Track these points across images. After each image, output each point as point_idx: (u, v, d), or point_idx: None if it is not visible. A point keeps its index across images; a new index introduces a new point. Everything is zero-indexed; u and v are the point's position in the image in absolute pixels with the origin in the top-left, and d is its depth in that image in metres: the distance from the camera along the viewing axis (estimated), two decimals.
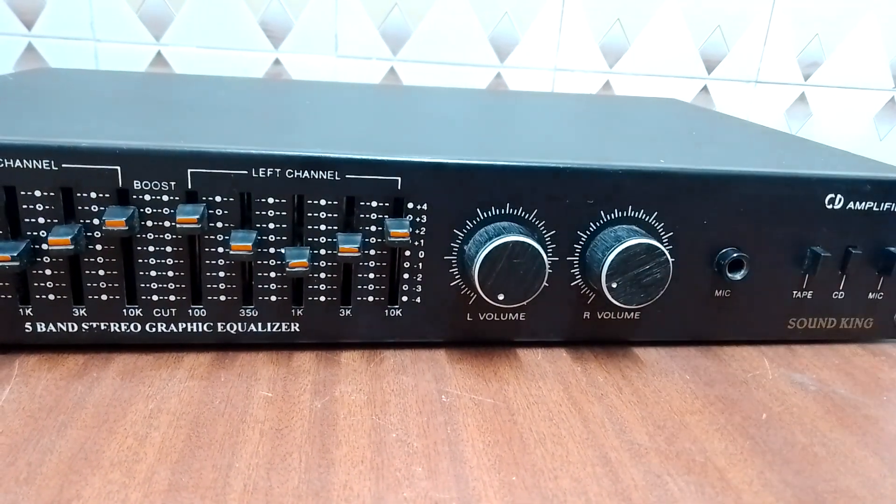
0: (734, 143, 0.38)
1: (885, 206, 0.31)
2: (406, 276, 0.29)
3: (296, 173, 0.27)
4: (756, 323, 0.32)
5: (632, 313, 0.31)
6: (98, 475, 0.21)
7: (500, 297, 0.28)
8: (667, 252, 0.28)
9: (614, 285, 0.28)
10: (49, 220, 0.26)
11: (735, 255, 0.30)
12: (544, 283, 0.28)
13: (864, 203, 0.31)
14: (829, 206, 0.31)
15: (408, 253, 0.28)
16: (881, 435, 0.26)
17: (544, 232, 0.29)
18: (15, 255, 0.25)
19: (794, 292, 0.32)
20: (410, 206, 0.28)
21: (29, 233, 0.26)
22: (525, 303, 0.28)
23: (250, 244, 0.26)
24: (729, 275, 0.31)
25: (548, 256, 0.29)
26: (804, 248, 0.31)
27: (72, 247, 0.25)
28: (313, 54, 0.71)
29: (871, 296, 0.33)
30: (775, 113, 0.80)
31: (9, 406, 0.25)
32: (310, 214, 0.27)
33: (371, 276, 0.29)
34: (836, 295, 0.32)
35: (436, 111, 0.42)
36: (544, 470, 0.23)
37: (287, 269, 0.27)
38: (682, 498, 0.22)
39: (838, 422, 0.27)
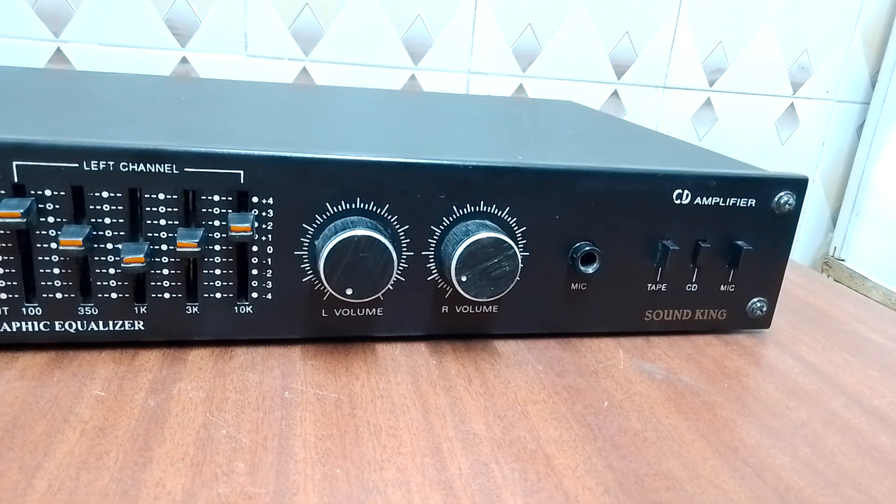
0: (601, 141, 0.39)
1: (731, 202, 0.32)
2: (255, 271, 0.29)
3: (130, 166, 0.26)
4: (613, 315, 0.33)
5: (490, 307, 0.31)
6: None
7: (349, 291, 0.28)
8: (514, 245, 0.28)
9: (464, 278, 0.28)
10: None
11: (587, 248, 0.31)
12: (395, 278, 0.28)
13: (710, 198, 0.32)
14: (678, 202, 0.32)
15: (255, 248, 0.28)
16: (713, 420, 0.27)
17: (398, 227, 0.29)
18: None
19: (649, 285, 0.33)
20: (255, 200, 0.27)
21: None
22: (376, 297, 0.28)
23: (81, 239, 0.25)
24: (582, 268, 0.31)
25: (402, 251, 0.29)
26: (655, 241, 0.32)
27: None
28: (222, 53, 0.70)
29: (722, 288, 0.34)
30: (682, 118, 0.83)
31: None
32: (148, 209, 0.27)
33: (217, 272, 0.28)
34: (689, 287, 0.34)
35: (313, 108, 0.42)
36: (372, 462, 0.23)
37: (122, 265, 0.26)
38: (504, 484, 0.22)
39: (675, 408, 0.28)
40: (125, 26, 0.67)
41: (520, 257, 0.29)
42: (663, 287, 0.33)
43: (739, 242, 0.33)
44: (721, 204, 0.32)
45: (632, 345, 0.33)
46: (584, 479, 0.23)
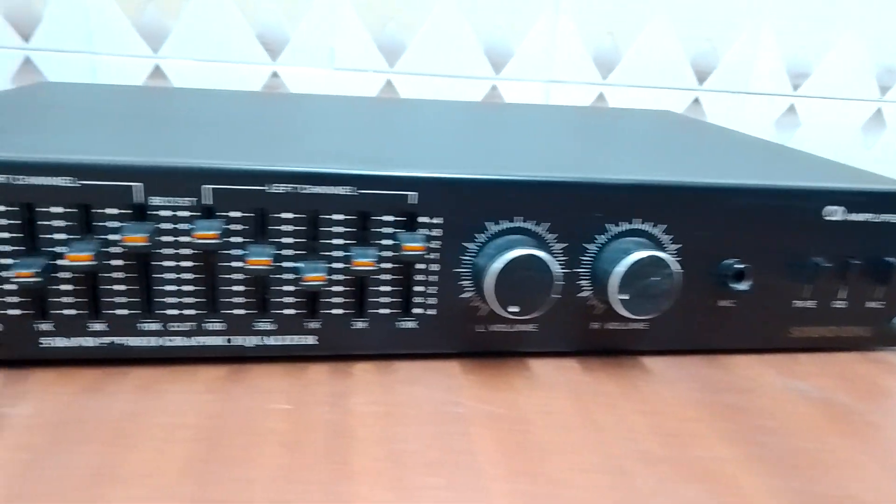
0: (733, 155, 0.39)
1: (883, 218, 0.32)
2: (419, 288, 0.29)
3: (311, 189, 0.27)
4: (759, 332, 0.33)
5: (639, 324, 0.32)
6: (121, 490, 0.21)
7: (514, 309, 0.28)
8: (675, 264, 0.29)
9: (625, 297, 0.29)
10: (68, 236, 0.26)
11: (739, 265, 0.31)
12: (556, 296, 0.28)
13: (861, 215, 0.32)
14: (828, 218, 0.32)
15: (421, 266, 0.29)
16: (883, 441, 0.27)
17: (553, 245, 0.30)
18: (38, 270, 0.25)
19: (796, 301, 0.33)
20: (424, 220, 0.28)
21: (47, 248, 0.26)
22: (538, 314, 0.29)
23: (269, 259, 0.26)
24: (733, 285, 0.31)
25: (559, 269, 0.30)
26: (804, 258, 0.32)
27: (93, 262, 0.25)
28: (310, 67, 0.72)
29: (869, 305, 0.33)
30: (765, 123, 0.82)
31: (28, 421, 0.25)
32: (324, 229, 0.28)
33: (385, 289, 0.29)
34: (836, 304, 0.33)
35: (440, 124, 0.43)
36: (559, 480, 0.23)
37: (302, 282, 0.27)
38: None
39: (840, 429, 0.28)
40: (219, 42, 0.69)
41: (680, 276, 0.29)
42: (810, 304, 0.33)
43: (890, 259, 0.32)
44: (872, 220, 0.32)
45: (777, 362, 0.33)
46: (771, 502, 0.23)
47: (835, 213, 0.32)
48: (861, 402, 0.30)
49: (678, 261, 0.30)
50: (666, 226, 0.30)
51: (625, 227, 0.30)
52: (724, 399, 0.29)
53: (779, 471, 0.25)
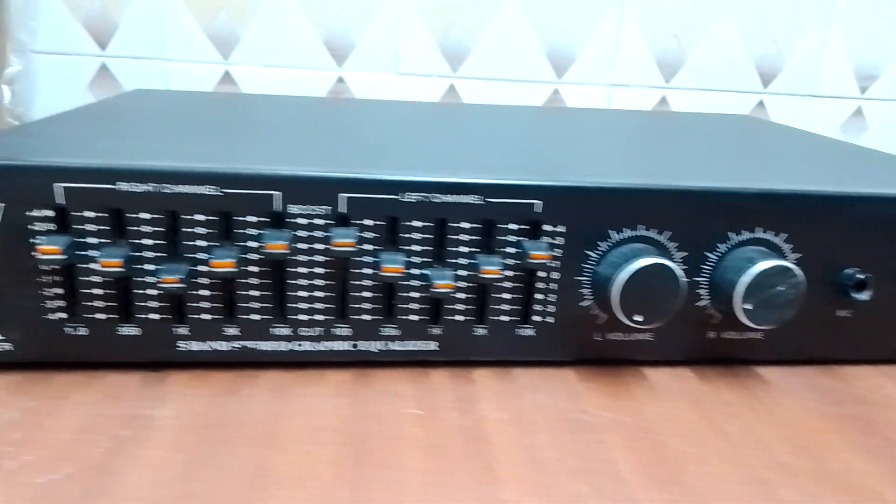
0: (840, 162, 0.39)
1: None
2: (540, 296, 0.30)
3: (441, 197, 0.27)
4: (877, 343, 0.33)
5: (756, 333, 0.31)
6: (283, 490, 0.22)
7: (638, 317, 0.28)
8: (801, 273, 0.28)
9: (749, 306, 0.29)
10: (209, 243, 0.27)
11: (859, 275, 0.31)
12: (681, 305, 0.28)
13: None
14: None
15: (543, 274, 0.29)
16: None
17: (675, 253, 0.30)
18: (182, 277, 0.26)
19: None
20: (548, 228, 0.28)
21: (188, 255, 0.27)
22: (662, 323, 0.29)
23: (401, 266, 0.27)
24: (854, 295, 0.31)
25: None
26: None
27: (235, 269, 0.26)
28: (375, 72, 0.73)
29: None
30: (831, 126, 0.80)
31: (174, 422, 0.25)
32: (452, 237, 0.28)
33: (506, 296, 0.29)
34: None
35: (548, 132, 0.43)
36: (703, 490, 0.23)
37: (431, 289, 0.28)
38: None
39: None
40: (287, 48, 0.71)
41: (805, 285, 0.29)
42: None
43: None
44: None
45: (894, 373, 0.33)
46: None
47: None
48: None
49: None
50: (787, 235, 0.30)
51: (746, 235, 0.30)
52: (849, 411, 0.29)
53: None
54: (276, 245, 0.26)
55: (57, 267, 0.26)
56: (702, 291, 0.30)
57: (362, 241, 0.28)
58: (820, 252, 0.30)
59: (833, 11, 0.75)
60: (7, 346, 0.27)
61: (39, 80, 0.69)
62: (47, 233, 0.26)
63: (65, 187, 0.25)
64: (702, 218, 0.29)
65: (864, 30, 0.76)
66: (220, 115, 0.42)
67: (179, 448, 0.24)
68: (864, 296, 0.31)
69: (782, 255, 0.30)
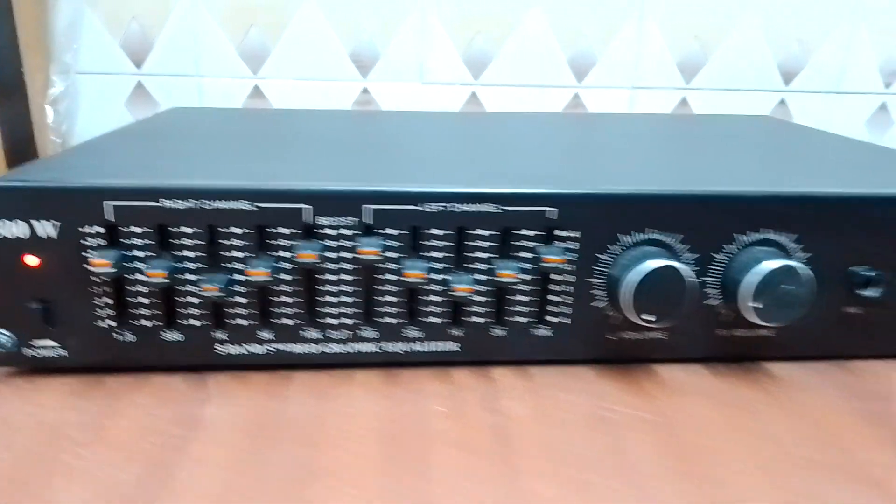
0: (853, 162, 0.40)
1: None
2: (555, 298, 0.31)
3: (460, 207, 0.29)
4: (887, 339, 0.33)
5: (766, 331, 0.33)
6: (318, 483, 0.24)
7: (649, 317, 0.30)
8: (810, 273, 0.29)
9: (759, 305, 0.30)
10: (245, 254, 0.29)
11: (868, 273, 0.32)
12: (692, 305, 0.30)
13: None
14: None
15: (558, 277, 0.31)
16: None
17: (684, 255, 0.31)
18: (221, 286, 0.28)
19: None
20: (562, 233, 0.30)
21: (226, 265, 0.29)
22: (674, 322, 0.30)
23: (423, 272, 0.29)
24: (862, 292, 0.32)
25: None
26: None
27: (269, 278, 0.28)
28: (399, 82, 0.75)
29: None
30: (856, 123, 0.80)
31: (218, 421, 0.28)
32: (470, 243, 0.30)
33: (523, 298, 0.31)
34: None
35: (552, 140, 0.45)
36: (725, 483, 0.24)
37: (452, 294, 0.29)
38: None
39: None
40: (314, 62, 0.73)
41: (814, 285, 0.30)
42: None
43: None
44: None
45: None
46: None
47: None
48: None
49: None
50: (795, 235, 0.31)
51: (754, 237, 0.31)
52: (867, 406, 0.30)
53: None
54: (307, 255, 0.28)
55: (107, 279, 0.28)
56: (711, 291, 0.32)
57: (386, 249, 0.29)
58: (828, 251, 0.31)
59: (858, 8, 0.75)
60: (62, 352, 0.30)
61: (81, 99, 0.73)
62: (98, 247, 0.28)
63: (114, 206, 0.28)
64: (710, 221, 0.31)
65: (889, 26, 0.76)
66: (251, 131, 0.44)
67: (228, 445, 0.26)
68: (871, 292, 0.32)
69: (789, 255, 0.31)
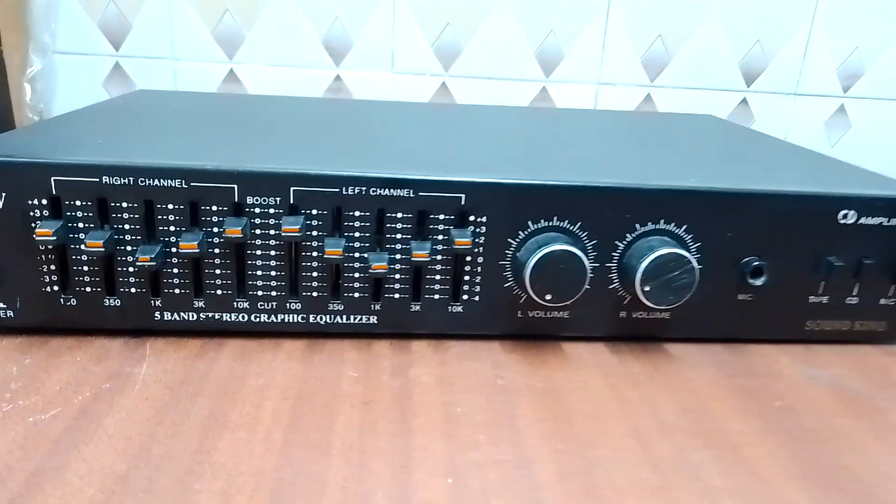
0: (758, 161, 0.42)
1: (895, 222, 0.35)
2: (467, 278, 0.34)
3: (379, 191, 0.32)
4: (777, 324, 0.36)
5: (664, 313, 0.35)
6: (227, 433, 0.27)
7: (548, 297, 0.32)
8: (694, 260, 0.32)
9: (648, 288, 0.33)
10: (178, 229, 0.32)
11: (756, 262, 0.35)
12: (586, 286, 0.32)
13: (875, 218, 0.35)
14: (843, 221, 0.35)
15: (469, 258, 0.33)
16: (886, 423, 0.30)
17: (587, 241, 0.34)
18: (152, 256, 0.31)
19: (811, 297, 0.36)
20: (472, 218, 0.33)
21: (162, 238, 0.32)
22: (569, 302, 0.33)
23: (341, 250, 0.31)
24: (750, 280, 0.35)
25: (590, 263, 0.34)
26: (820, 257, 0.35)
27: (198, 251, 0.31)
28: (371, 70, 0.77)
29: (883, 301, 0.36)
30: (814, 124, 0.83)
31: (148, 378, 0.30)
32: (389, 225, 0.33)
33: (437, 277, 0.34)
34: (850, 300, 0.36)
35: (489, 131, 0.47)
36: (587, 441, 0.28)
37: (370, 270, 0.32)
38: (702, 466, 0.27)
39: (845, 410, 0.31)
40: (289, 48, 0.75)
41: (698, 271, 0.32)
42: (825, 299, 0.36)
43: None
44: (885, 224, 0.35)
45: (794, 352, 0.36)
46: (772, 466, 0.27)
47: (849, 216, 0.35)
48: (870, 389, 0.33)
49: (699, 258, 0.34)
50: (686, 226, 0.34)
51: (651, 227, 0.34)
52: (740, 382, 0.33)
53: (783, 443, 0.28)
54: (234, 231, 0.31)
55: (51, 247, 0.31)
56: (613, 276, 0.35)
57: (310, 228, 0.32)
58: (720, 242, 0.34)
59: (816, 12, 0.78)
60: (10, 314, 0.32)
61: (59, 78, 0.75)
62: (42, 218, 0.31)
63: (57, 180, 0.30)
64: (611, 211, 0.33)
65: (847, 29, 0.78)
66: (204, 115, 0.47)
67: (151, 398, 0.29)
68: (759, 282, 0.35)
69: (685, 245, 0.34)
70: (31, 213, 0.31)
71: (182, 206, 0.31)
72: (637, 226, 0.34)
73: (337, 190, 0.32)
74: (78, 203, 0.31)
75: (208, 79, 0.76)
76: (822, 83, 0.81)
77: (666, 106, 0.80)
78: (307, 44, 0.75)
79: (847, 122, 0.83)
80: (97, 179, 0.31)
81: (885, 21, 0.79)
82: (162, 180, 0.31)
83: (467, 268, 0.34)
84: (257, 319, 0.34)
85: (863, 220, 0.35)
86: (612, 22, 0.76)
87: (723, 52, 0.78)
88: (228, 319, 0.34)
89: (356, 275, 0.33)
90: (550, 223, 0.33)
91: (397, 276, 0.33)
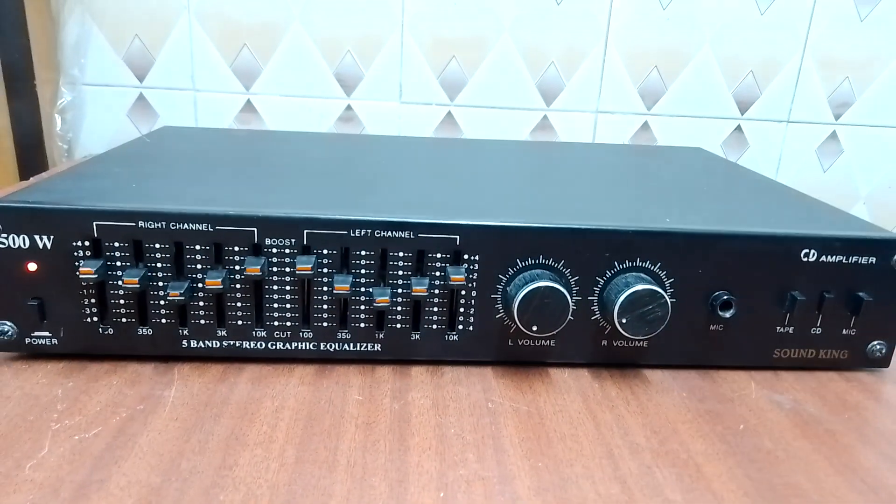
0: (735, 199, 0.46)
1: (853, 259, 0.38)
2: (461, 310, 0.38)
3: (382, 233, 0.36)
4: (745, 352, 0.40)
5: (641, 342, 0.39)
6: (246, 451, 0.31)
7: (534, 328, 0.36)
8: (667, 295, 0.36)
9: (624, 321, 0.36)
10: (204, 267, 0.36)
11: (725, 297, 0.38)
12: (569, 318, 0.36)
13: (835, 257, 0.38)
14: (805, 259, 0.38)
15: (463, 293, 0.37)
16: (835, 445, 0.34)
17: (570, 277, 0.37)
18: (181, 291, 0.35)
19: (778, 328, 0.39)
20: (466, 256, 0.36)
21: (190, 275, 0.36)
22: (554, 333, 0.36)
23: (348, 285, 0.35)
24: (720, 313, 0.38)
25: (572, 297, 0.37)
26: (784, 292, 0.38)
27: (221, 286, 0.35)
28: (380, 101, 0.81)
29: (844, 332, 0.40)
30: (807, 150, 0.86)
31: (176, 401, 0.34)
32: (391, 263, 0.36)
33: (435, 309, 0.37)
34: (814, 331, 0.39)
35: (483, 171, 0.51)
36: (563, 460, 0.31)
37: (374, 304, 0.36)
38: (665, 483, 0.30)
39: (801, 433, 0.34)
40: (302, 80, 0.80)
41: (670, 305, 0.36)
42: (790, 330, 0.39)
43: (861, 294, 0.38)
44: (844, 261, 0.38)
45: (762, 378, 0.40)
46: (727, 484, 0.30)
47: (811, 255, 0.38)
48: (827, 413, 0.36)
49: (672, 292, 0.38)
50: (660, 263, 0.37)
51: (628, 264, 0.37)
52: (707, 406, 0.36)
53: (740, 463, 0.32)
54: (254, 269, 0.35)
55: (92, 283, 0.35)
56: (594, 308, 0.38)
57: (321, 266, 0.36)
58: (692, 278, 0.38)
59: (807, 43, 0.81)
60: (55, 342, 0.36)
61: (87, 108, 0.80)
62: (85, 258, 0.35)
63: (99, 225, 0.35)
64: (591, 251, 0.37)
65: (838, 60, 0.82)
66: (219, 155, 0.51)
67: (179, 418, 0.33)
68: (728, 314, 0.38)
69: (659, 281, 0.37)
70: (75, 254, 0.35)
71: (208, 247, 0.35)
72: (616, 263, 0.37)
73: (345, 232, 0.36)
74: (116, 244, 0.35)
75: (227, 109, 0.80)
76: (814, 111, 0.84)
77: (662, 132, 0.84)
78: (320, 76, 0.79)
79: (839, 147, 0.86)
80: (133, 224, 0.35)
81: (874, 51, 0.82)
82: (190, 224, 0.35)
83: (462, 301, 0.37)
84: (273, 347, 0.37)
85: (823, 259, 0.38)
86: (610, 53, 0.80)
87: (717, 81, 0.82)
88: (247, 347, 0.37)
89: (362, 307, 0.37)
90: (537, 261, 0.37)
91: (399, 309, 0.37)
